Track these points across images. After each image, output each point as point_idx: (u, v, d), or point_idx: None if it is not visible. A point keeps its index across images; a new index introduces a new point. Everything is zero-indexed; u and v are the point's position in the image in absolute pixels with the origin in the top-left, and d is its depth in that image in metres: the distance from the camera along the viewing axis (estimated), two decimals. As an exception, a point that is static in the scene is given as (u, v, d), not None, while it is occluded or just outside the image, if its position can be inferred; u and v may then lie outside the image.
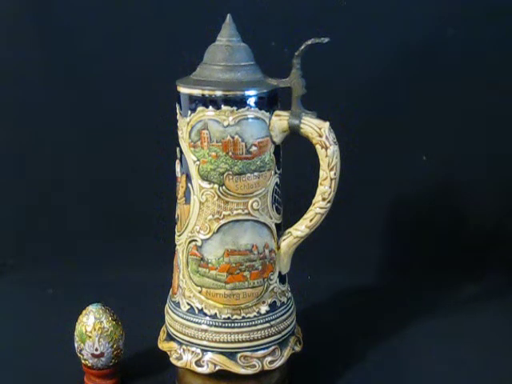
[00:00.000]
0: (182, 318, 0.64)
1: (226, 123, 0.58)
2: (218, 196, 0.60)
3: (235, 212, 0.60)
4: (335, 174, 0.60)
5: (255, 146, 0.59)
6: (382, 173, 0.94)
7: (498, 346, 0.78)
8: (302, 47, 0.59)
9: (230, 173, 0.59)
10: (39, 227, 0.98)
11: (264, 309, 0.63)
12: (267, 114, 0.60)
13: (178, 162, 0.63)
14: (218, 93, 0.58)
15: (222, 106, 0.58)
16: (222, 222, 0.60)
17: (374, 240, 0.96)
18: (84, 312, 0.68)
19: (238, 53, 0.61)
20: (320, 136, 0.59)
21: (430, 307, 0.86)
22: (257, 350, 0.63)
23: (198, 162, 0.60)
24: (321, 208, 0.61)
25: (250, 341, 0.62)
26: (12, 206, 0.98)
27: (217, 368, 0.62)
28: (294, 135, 0.61)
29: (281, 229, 0.64)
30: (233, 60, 0.60)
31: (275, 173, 0.62)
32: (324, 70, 0.84)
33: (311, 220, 0.62)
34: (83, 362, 0.68)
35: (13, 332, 0.80)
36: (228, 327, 0.62)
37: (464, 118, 0.92)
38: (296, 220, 0.63)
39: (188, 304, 0.63)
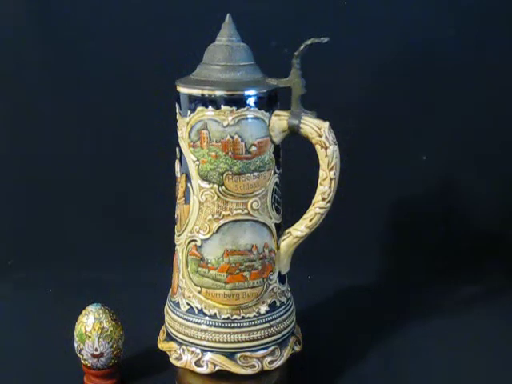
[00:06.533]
0: (182, 318, 0.64)
1: (225, 123, 0.58)
2: (218, 196, 0.60)
3: (235, 212, 0.60)
4: (335, 173, 0.60)
5: (255, 145, 0.59)
6: (382, 173, 0.94)
7: (497, 346, 0.78)
8: (302, 47, 0.59)
9: (230, 173, 0.59)
10: (39, 227, 0.98)
11: (264, 309, 0.63)
12: (267, 113, 0.60)
13: (177, 161, 0.63)
14: (218, 93, 0.58)
15: (222, 105, 0.58)
16: (222, 221, 0.60)
17: (374, 240, 0.96)
18: (84, 312, 0.68)
19: (238, 53, 0.61)
20: (320, 136, 0.59)
21: (429, 307, 0.86)
22: (256, 350, 0.63)
23: (197, 162, 0.60)
24: (320, 208, 0.61)
25: (250, 341, 0.62)
26: (12, 205, 0.98)
27: (216, 368, 0.62)
28: (294, 135, 0.61)
29: (281, 229, 0.64)
30: (232, 60, 0.60)
31: (275, 173, 0.62)
32: (324, 70, 0.84)
33: (311, 220, 0.62)
34: (83, 362, 0.68)
35: (13, 332, 0.80)
36: (228, 327, 0.62)
37: (464, 118, 0.92)
38: (296, 220, 0.63)
39: (188, 304, 0.63)
